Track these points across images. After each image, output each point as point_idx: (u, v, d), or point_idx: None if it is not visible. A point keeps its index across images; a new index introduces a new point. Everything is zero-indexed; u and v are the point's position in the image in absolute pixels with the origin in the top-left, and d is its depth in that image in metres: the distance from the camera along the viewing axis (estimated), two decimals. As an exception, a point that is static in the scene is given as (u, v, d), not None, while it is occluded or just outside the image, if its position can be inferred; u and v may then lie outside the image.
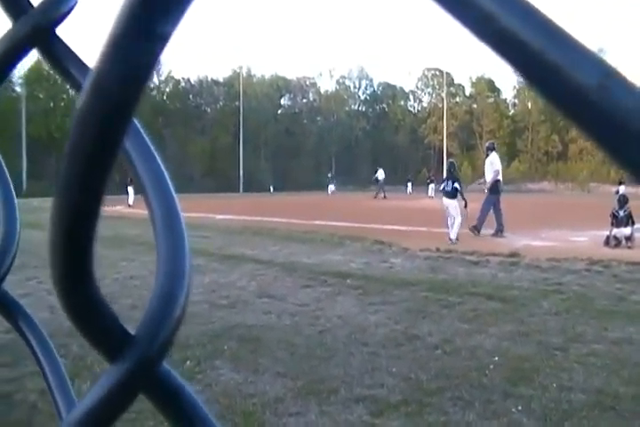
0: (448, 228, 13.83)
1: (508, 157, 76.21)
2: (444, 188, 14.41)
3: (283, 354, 5.57)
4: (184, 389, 0.26)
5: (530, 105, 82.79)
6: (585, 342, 5.78)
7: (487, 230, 14.81)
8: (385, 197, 44.44)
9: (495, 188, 15.39)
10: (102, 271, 10.36)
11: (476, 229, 14.74)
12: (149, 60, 0.18)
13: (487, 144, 16.74)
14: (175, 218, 0.28)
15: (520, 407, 4.24)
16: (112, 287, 8.90)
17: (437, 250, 12.02)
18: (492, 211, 14.96)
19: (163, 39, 0.17)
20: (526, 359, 5.30)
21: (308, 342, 5.92)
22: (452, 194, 14.09)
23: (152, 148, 0.30)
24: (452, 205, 14.00)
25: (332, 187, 56.98)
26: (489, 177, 15.60)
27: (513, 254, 11.13)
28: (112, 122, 0.18)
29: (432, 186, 45.81)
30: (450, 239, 13.36)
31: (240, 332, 6.23)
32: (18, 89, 65.96)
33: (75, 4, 0.37)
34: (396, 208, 28.66)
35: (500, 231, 14.71)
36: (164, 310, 0.25)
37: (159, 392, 0.25)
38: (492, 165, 15.65)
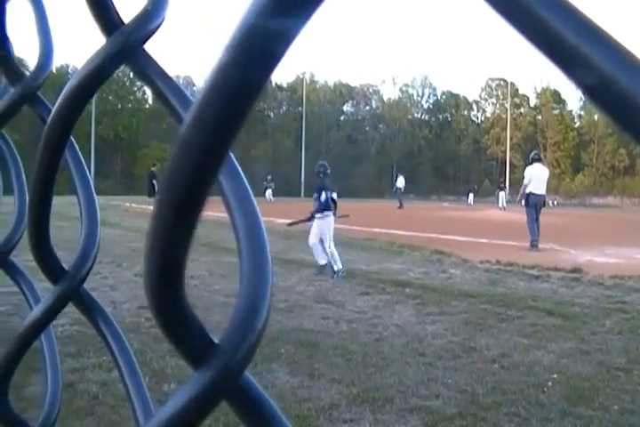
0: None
1: (573, 171, 74.78)
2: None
3: (339, 360, 5.57)
4: (264, 398, 0.27)
5: (596, 117, 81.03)
6: (649, 362, 5.62)
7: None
8: (401, 206, 39.58)
9: (527, 201, 14.96)
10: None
11: (532, 244, 14.44)
12: (252, 93, 0.19)
13: (531, 154, 16.19)
14: (258, 229, 0.29)
15: (578, 427, 4.14)
16: (172, 288, 9.05)
17: (498, 262, 11.85)
18: (533, 224, 14.67)
19: (267, 71, 0.18)
20: (586, 379, 5.17)
21: (365, 350, 5.91)
22: None
23: (232, 156, 0.31)
24: None
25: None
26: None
27: (575, 270, 10.89)
28: (212, 152, 0.19)
29: (502, 194, 44.27)
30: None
31: (297, 336, 6.25)
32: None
33: (162, 21, 0.39)
34: (456, 219, 28.38)
35: (533, 246, 14.42)
36: (248, 321, 0.25)
37: (241, 400, 0.26)
38: (525, 177, 15.24)
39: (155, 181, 31.30)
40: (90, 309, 0.47)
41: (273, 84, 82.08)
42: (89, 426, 3.99)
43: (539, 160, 15.50)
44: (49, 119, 0.39)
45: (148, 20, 0.38)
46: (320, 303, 7.90)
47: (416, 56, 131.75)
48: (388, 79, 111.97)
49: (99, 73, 0.37)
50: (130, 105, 72.67)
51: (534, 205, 14.81)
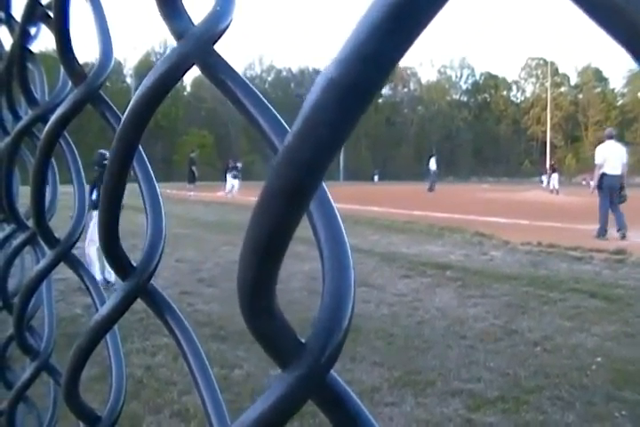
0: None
1: (616, 150, 73.36)
2: None
3: (380, 344, 5.59)
4: (350, 396, 0.27)
5: (640, 95, 79.43)
6: (695, 345, 5.54)
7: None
8: (432, 189, 38.28)
9: (600, 184, 13.62)
10: (205, 255, 10.65)
11: (599, 233, 13.18)
12: (345, 128, 0.19)
13: (605, 131, 14.89)
14: (337, 227, 0.29)
15: (624, 412, 4.10)
16: (213, 271, 9.15)
17: (539, 244, 11.74)
18: (605, 209, 13.34)
19: (384, 74, 0.18)
20: (631, 362, 5.11)
21: (406, 333, 5.91)
22: None
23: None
24: None
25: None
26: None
27: (619, 251, 10.73)
28: (303, 183, 0.20)
29: (556, 176, 39.20)
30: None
31: (337, 320, 6.28)
32: (128, 80, 68.87)
33: (231, 22, 0.40)
34: (498, 200, 28.13)
35: (601, 234, 13.12)
36: (333, 320, 0.26)
37: (327, 398, 0.27)
38: (597, 157, 13.92)
39: (194, 168, 31.17)
40: (158, 305, 0.48)
41: (310, 68, 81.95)
42: (134, 409, 4.07)
43: (612, 137, 14.27)
44: (122, 120, 0.40)
45: (218, 21, 0.38)
46: (361, 287, 7.91)
47: (454, 37, 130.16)
48: (426, 61, 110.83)
49: (171, 74, 0.38)
50: (169, 94, 73.46)
51: (608, 187, 13.50)
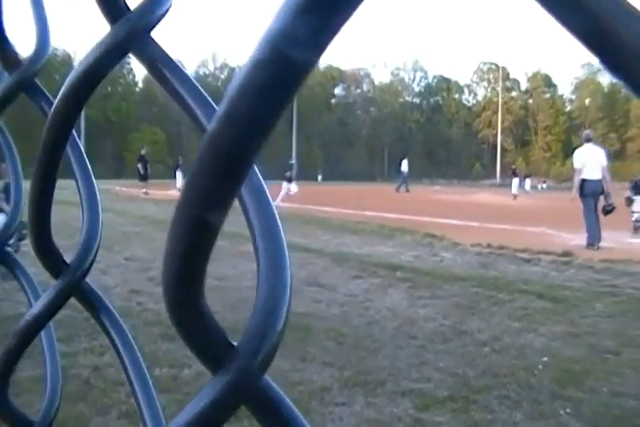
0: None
1: (564, 155, 74.91)
2: None
3: (331, 344, 5.58)
4: (284, 401, 0.26)
5: (587, 102, 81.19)
6: (638, 346, 5.66)
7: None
8: (407, 190, 39.14)
9: (581, 189, 12.70)
10: (155, 253, 10.53)
11: (588, 243, 12.29)
12: (289, 91, 0.18)
13: (583, 134, 13.94)
14: (275, 229, 0.28)
15: (569, 410, 4.17)
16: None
17: (489, 246, 11.89)
18: (591, 216, 12.57)
19: (304, 71, 0.17)
20: (576, 361, 5.21)
21: (357, 333, 5.92)
22: None
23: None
24: None
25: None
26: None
27: (566, 254, 10.93)
28: (242, 152, 0.18)
29: (516, 180, 39.26)
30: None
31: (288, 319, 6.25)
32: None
33: (169, 7, 0.38)
34: (448, 202, 28.43)
35: (590, 244, 12.21)
36: (267, 322, 0.25)
37: (261, 404, 0.25)
38: (575, 161, 13.12)
39: (139, 165, 30.26)
40: (93, 304, 0.46)
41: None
42: (81, 411, 3.99)
43: (590, 140, 13.32)
44: (52, 109, 0.38)
45: (155, 6, 0.36)
46: (312, 286, 7.90)
47: (407, 40, 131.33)
48: (380, 63, 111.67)
49: (104, 61, 0.36)
50: (120, 88, 72.35)
51: (591, 193, 12.64)
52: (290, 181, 24.65)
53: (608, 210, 12.79)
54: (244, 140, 0.18)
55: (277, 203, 22.15)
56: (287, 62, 0.17)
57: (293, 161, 27.31)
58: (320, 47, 0.17)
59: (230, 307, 6.17)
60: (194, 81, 0.37)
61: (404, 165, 41.91)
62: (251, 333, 0.24)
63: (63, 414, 3.76)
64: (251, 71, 0.18)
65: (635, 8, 0.16)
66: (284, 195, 23.62)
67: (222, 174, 0.18)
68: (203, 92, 0.36)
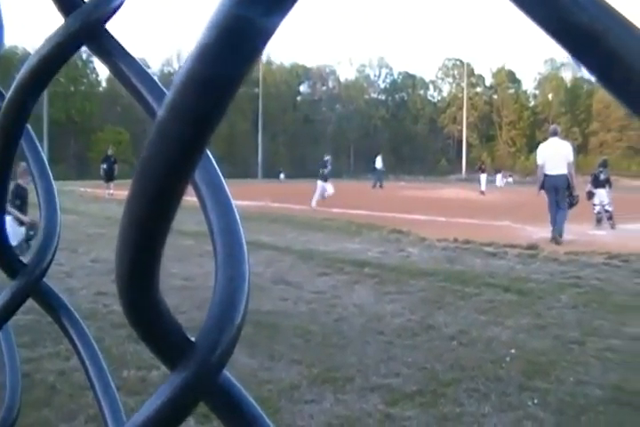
0: None
1: (528, 149, 75.68)
2: None
3: (298, 341, 5.58)
4: (244, 397, 0.26)
5: (551, 97, 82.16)
6: (602, 336, 5.75)
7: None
8: (381, 186, 38.97)
9: (542, 183, 12.79)
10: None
11: (552, 237, 12.24)
12: (232, 85, 0.17)
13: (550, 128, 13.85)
14: (233, 221, 0.27)
15: (536, 401, 4.23)
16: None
17: (455, 240, 11.98)
18: (553, 211, 12.59)
19: (247, 63, 0.17)
20: (542, 353, 5.27)
21: (325, 330, 5.93)
22: None
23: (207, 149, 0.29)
24: None
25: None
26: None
27: (531, 247, 11.07)
28: (190, 144, 0.18)
29: (484, 176, 38.24)
30: None
31: (256, 318, 6.22)
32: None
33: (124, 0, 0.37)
34: (414, 198, 28.57)
35: (553, 237, 12.23)
36: (225, 317, 0.24)
37: (220, 400, 0.25)
38: (538, 157, 13.22)
39: (104, 166, 29.50)
40: (52, 305, 0.45)
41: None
42: (46, 417, 3.93)
43: (556, 134, 13.27)
44: (3, 104, 0.37)
45: (109, -1, 0.36)
46: (278, 284, 7.89)
47: (372, 37, 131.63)
48: (345, 60, 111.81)
49: (57, 54, 0.35)
50: (83, 88, 71.38)
51: (552, 187, 12.61)
52: (325, 179, 22.12)
53: (572, 203, 12.89)
54: (189, 131, 0.17)
55: (313, 206, 20.42)
56: (248, 26, 0.17)
57: (328, 157, 23.82)
58: (268, 31, 0.17)
59: (197, 307, 6.14)
60: (153, 77, 0.36)
61: (379, 162, 41.68)
62: (208, 327, 0.24)
63: (29, 420, 3.70)
64: (208, 36, 0.17)
65: (605, 2, 0.16)
66: (319, 196, 21.37)
67: (169, 166, 0.18)
68: (160, 84, 0.35)
